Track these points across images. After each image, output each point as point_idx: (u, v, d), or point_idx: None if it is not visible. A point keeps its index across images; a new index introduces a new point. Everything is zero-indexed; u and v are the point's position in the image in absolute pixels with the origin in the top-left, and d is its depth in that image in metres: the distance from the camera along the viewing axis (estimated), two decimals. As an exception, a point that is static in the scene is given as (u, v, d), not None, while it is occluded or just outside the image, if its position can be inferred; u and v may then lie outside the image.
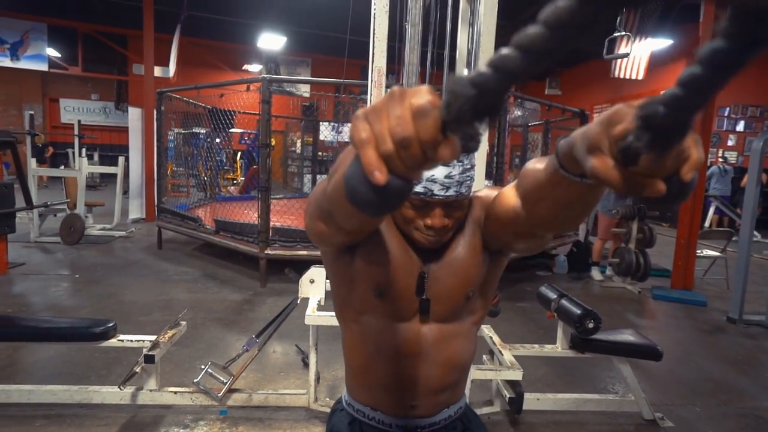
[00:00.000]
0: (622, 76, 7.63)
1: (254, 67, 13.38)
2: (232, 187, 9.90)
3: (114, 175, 7.11)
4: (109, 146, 13.99)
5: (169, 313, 3.82)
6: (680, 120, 0.34)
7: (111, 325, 2.34)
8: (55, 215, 6.56)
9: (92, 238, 6.34)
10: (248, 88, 4.71)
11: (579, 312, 2.22)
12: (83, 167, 6.39)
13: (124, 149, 8.77)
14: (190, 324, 2.70)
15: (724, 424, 2.57)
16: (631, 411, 2.53)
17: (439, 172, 0.83)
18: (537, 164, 0.64)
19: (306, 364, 3.02)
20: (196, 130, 7.80)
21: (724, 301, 4.65)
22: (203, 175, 9.19)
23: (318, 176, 9.60)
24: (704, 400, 2.81)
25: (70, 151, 9.35)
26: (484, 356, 2.67)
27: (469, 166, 0.85)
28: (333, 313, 2.17)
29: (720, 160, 9.82)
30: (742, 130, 10.34)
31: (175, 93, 6.03)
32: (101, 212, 7.61)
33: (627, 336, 2.41)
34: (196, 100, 6.22)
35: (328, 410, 2.42)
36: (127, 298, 4.15)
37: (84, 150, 6.88)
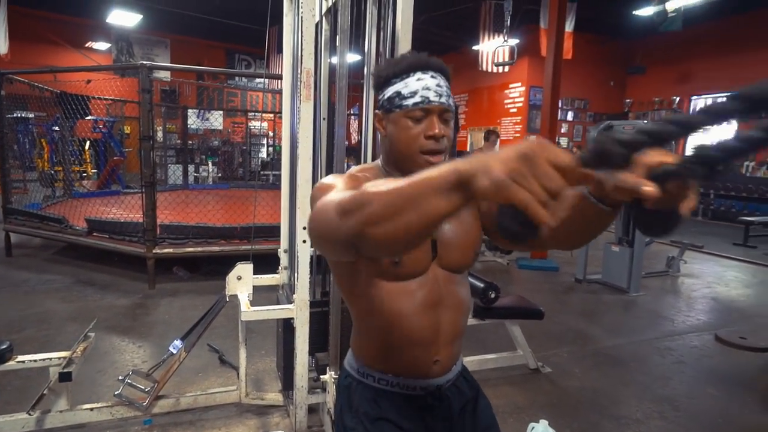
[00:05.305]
0: (489, 69, 8.53)
1: (100, 45, 11.88)
2: (85, 182, 8.82)
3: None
4: None
5: (48, 327, 3.43)
6: (726, 162, 0.50)
7: (5, 346, 2.09)
8: None
9: None
10: (123, 75, 4.30)
11: (482, 285, 2.59)
12: None
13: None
14: (78, 336, 2.42)
15: (584, 362, 3.20)
16: (519, 364, 3.02)
17: (431, 82, 0.94)
18: None
19: (223, 362, 3.00)
20: (20, 114, 6.73)
21: (571, 266, 5.59)
22: (45, 167, 8.08)
23: (190, 167, 9.00)
24: (568, 347, 3.45)
25: None
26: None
27: (445, 84, 0.98)
28: (269, 307, 2.24)
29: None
30: (571, 119, 12.21)
31: (21, 76, 5.19)
32: None
33: (516, 302, 2.87)
34: (45, 84, 5.45)
35: (260, 402, 2.48)
36: (-16, 316, 3.60)
37: None
